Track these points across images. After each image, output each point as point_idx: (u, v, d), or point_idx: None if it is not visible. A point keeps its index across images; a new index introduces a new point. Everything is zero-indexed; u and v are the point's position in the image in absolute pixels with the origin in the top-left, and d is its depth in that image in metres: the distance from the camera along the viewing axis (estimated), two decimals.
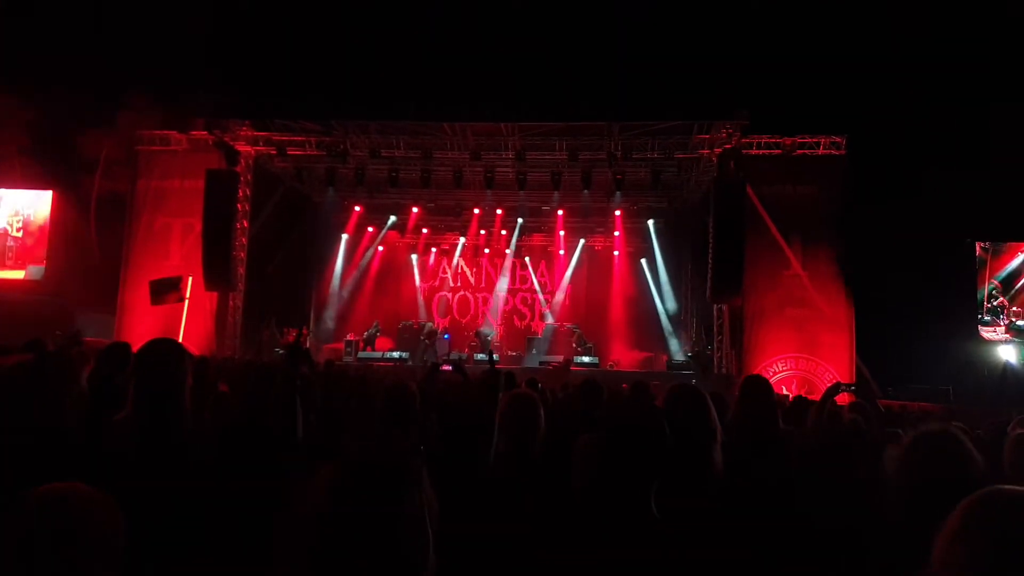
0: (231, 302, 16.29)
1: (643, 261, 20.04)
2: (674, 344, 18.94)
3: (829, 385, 4.19)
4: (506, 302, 21.17)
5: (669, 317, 19.52)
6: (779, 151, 15.37)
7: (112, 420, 2.38)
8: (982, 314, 18.77)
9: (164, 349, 2.60)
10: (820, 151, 15.35)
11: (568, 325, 19.38)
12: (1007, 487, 1.31)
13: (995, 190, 16.93)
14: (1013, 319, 18.62)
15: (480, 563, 2.59)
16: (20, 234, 17.53)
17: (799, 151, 15.37)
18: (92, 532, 1.40)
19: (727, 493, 2.47)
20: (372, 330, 18.37)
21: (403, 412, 3.39)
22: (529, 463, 2.92)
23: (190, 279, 15.06)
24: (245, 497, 2.26)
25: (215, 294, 15.80)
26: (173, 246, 16.21)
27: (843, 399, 6.62)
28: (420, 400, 3.61)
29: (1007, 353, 18.44)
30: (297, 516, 1.20)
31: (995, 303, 18.77)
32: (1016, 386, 17.57)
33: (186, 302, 15.07)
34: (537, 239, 20.69)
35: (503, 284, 20.68)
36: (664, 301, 19.56)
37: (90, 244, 16.34)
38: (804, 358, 14.90)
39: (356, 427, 4.30)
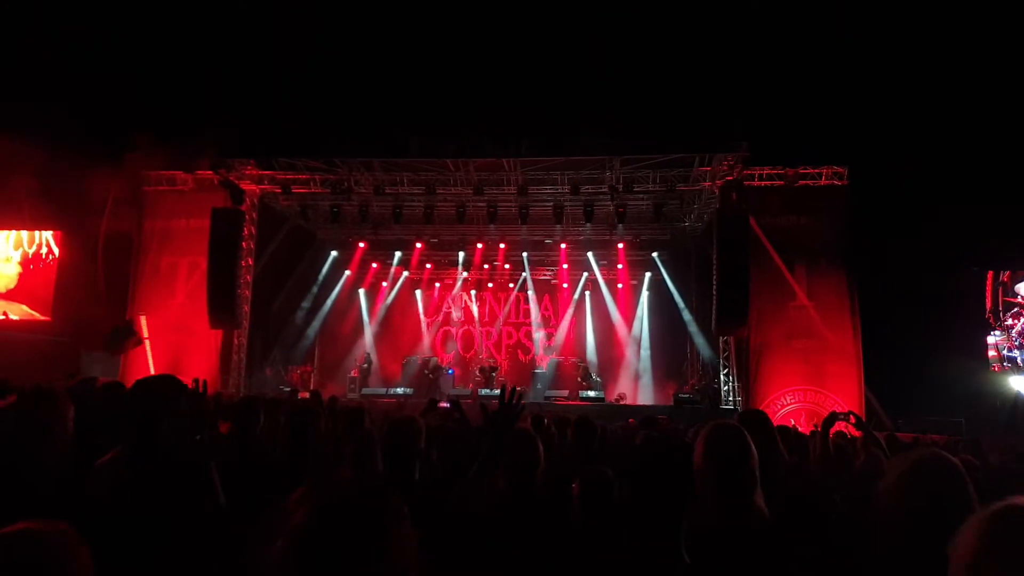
0: (236, 340, 16.29)
1: (646, 294, 19.99)
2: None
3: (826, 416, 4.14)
4: (510, 336, 21.12)
5: (674, 350, 19.42)
6: (781, 182, 15.41)
7: (100, 460, 2.33)
8: (997, 326, 18.68)
9: (157, 385, 2.56)
10: (822, 182, 15.38)
11: (573, 359, 19.27)
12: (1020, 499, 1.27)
13: (1005, 218, 16.87)
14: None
15: None
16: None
17: (801, 182, 15.40)
18: (53, 571, 1.34)
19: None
20: (364, 365, 18.26)
21: (407, 447, 3.32)
22: (530, 499, 2.87)
23: (143, 319, 15.15)
24: (236, 536, 2.20)
25: (220, 332, 15.81)
26: (179, 285, 16.29)
27: (854, 430, 6.51)
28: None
29: (1019, 384, 18.22)
30: (270, 557, 1.16)
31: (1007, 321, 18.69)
32: None
33: (146, 342, 15.17)
34: (540, 273, 20.69)
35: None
36: (670, 334, 19.46)
37: (97, 284, 16.41)
38: (812, 390, 14.73)
39: (355, 463, 4.23)
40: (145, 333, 15.16)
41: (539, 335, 20.51)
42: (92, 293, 16.28)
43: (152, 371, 15.07)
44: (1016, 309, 18.71)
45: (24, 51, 14.93)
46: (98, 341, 16.03)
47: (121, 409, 3.30)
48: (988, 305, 18.84)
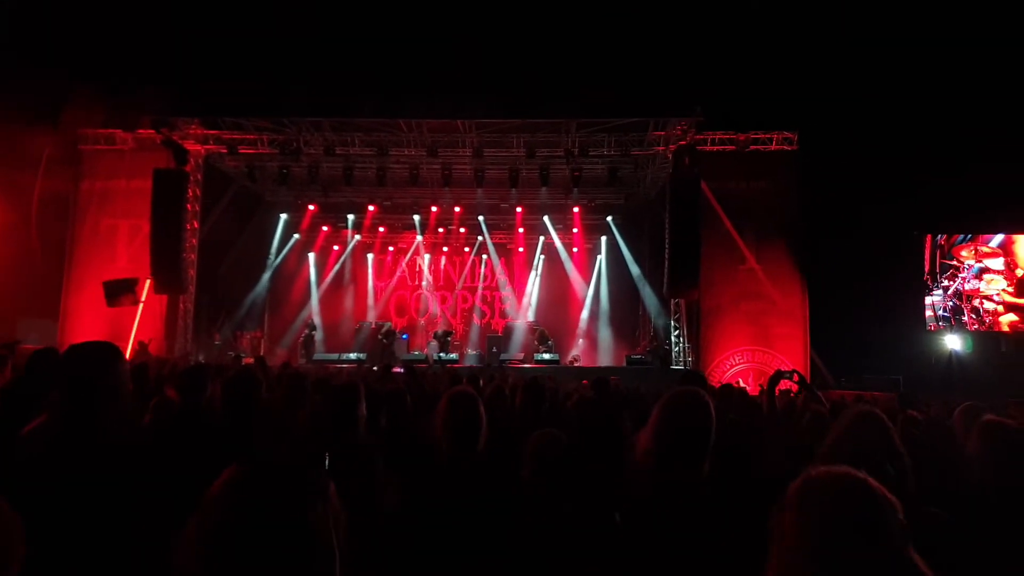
0: (181, 305, 15.87)
1: (600, 257, 20.11)
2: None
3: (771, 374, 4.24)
4: (465, 300, 21.07)
5: (627, 313, 19.66)
6: (733, 147, 15.57)
7: (26, 428, 2.21)
8: (934, 287, 19.39)
9: (91, 351, 2.43)
10: (773, 147, 15.59)
11: (528, 322, 19.35)
12: (834, 467, 1.48)
13: (944, 183, 17.40)
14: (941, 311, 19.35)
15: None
16: None
17: (752, 147, 15.59)
18: None
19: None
20: (309, 331, 17.92)
21: (347, 413, 3.27)
22: (473, 459, 2.86)
23: (147, 283, 14.73)
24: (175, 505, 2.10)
25: (165, 297, 15.37)
26: (120, 248, 15.74)
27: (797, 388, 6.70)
28: (368, 400, 3.49)
29: (953, 342, 19.00)
30: (193, 525, 1.11)
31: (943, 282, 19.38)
32: (962, 373, 18.13)
33: (140, 305, 14.73)
34: (496, 237, 20.58)
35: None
36: (623, 297, 19.67)
37: (31, 247, 15.71)
38: (760, 351, 15.12)
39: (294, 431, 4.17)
40: (143, 297, 14.66)
41: (510, 298, 20.51)
42: (26, 256, 15.58)
43: (132, 338, 14.67)
44: (951, 271, 19.42)
45: None
46: (33, 305, 15.45)
47: (50, 376, 3.15)
48: (927, 267, 19.51)
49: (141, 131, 15.53)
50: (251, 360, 9.72)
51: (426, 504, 2.67)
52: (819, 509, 1.40)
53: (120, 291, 14.13)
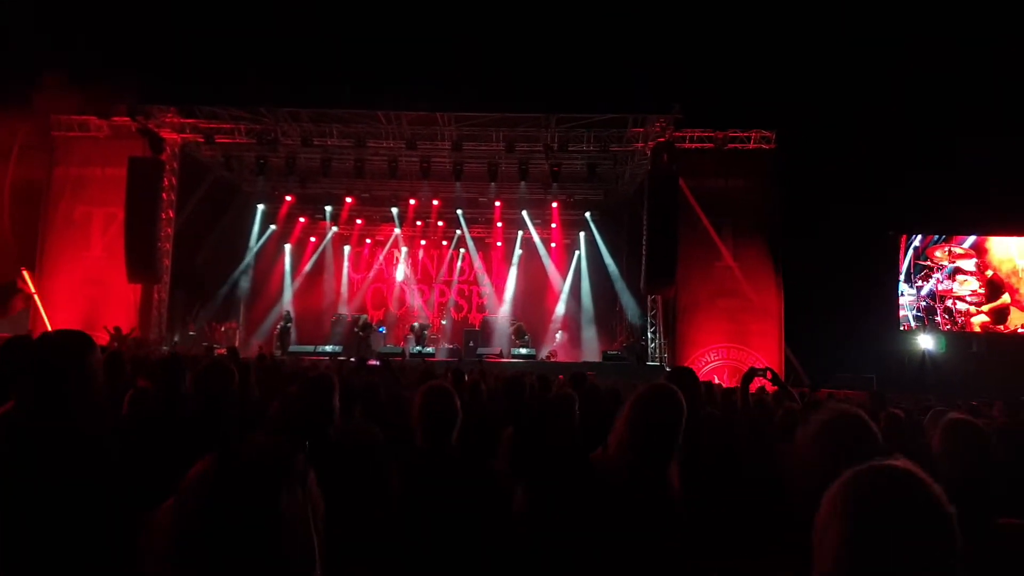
0: (156, 295, 15.71)
1: (579, 253, 20.16)
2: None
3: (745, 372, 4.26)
4: (442, 294, 21.04)
5: (604, 309, 19.72)
6: (711, 145, 15.64)
7: None
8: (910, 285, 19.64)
9: (63, 341, 2.39)
10: (751, 145, 15.68)
11: (506, 317, 19.36)
12: (886, 461, 1.32)
13: (920, 184, 17.63)
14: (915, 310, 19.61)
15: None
16: None
17: (731, 145, 15.67)
18: None
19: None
20: (284, 323, 17.79)
21: (321, 405, 3.24)
22: (448, 454, 2.86)
23: (26, 273, 14.52)
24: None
25: (139, 286, 15.21)
26: (94, 236, 15.56)
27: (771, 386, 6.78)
28: (342, 393, 3.47)
29: (926, 342, 19.29)
30: (168, 515, 1.10)
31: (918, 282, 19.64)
32: (935, 372, 18.42)
33: (35, 296, 14.52)
34: (475, 231, 20.56)
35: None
36: (600, 293, 19.73)
37: (3, 234, 15.46)
38: (735, 348, 15.23)
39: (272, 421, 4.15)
40: (32, 288, 14.40)
41: (488, 292, 20.50)
42: None
43: (48, 326, 14.41)
44: (925, 272, 19.71)
45: None
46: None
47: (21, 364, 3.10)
48: (901, 268, 19.78)
49: (116, 118, 15.32)
50: (223, 351, 9.65)
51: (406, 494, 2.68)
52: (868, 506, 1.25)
53: (4, 298, 13.91)
